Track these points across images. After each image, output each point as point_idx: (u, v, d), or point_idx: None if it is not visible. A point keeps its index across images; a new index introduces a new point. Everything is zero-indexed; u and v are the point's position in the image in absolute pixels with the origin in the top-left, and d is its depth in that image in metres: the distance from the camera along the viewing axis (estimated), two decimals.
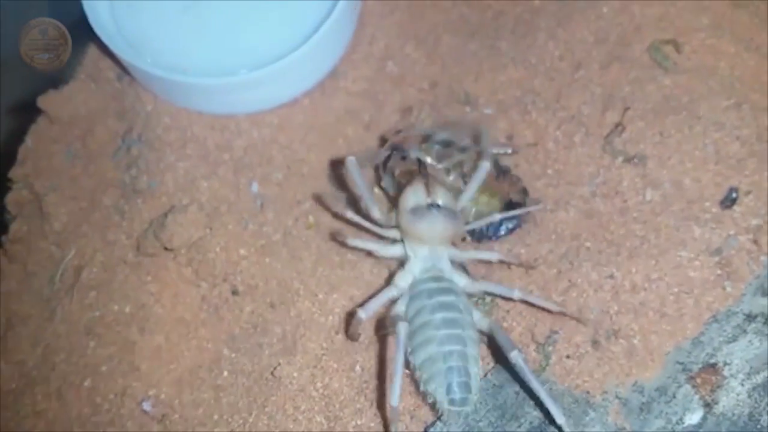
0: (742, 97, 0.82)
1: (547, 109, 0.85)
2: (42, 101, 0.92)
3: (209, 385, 0.78)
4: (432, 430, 0.72)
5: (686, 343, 0.71)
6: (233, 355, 0.79)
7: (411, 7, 0.98)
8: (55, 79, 0.93)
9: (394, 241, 0.79)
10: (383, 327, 0.77)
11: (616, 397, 0.70)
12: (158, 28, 0.90)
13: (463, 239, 0.82)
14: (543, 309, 0.74)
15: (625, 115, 0.82)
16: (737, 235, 0.75)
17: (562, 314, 0.73)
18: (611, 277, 0.75)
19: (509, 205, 0.81)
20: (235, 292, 0.81)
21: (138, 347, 0.80)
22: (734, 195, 0.77)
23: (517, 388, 0.73)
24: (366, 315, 0.74)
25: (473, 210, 0.81)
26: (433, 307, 0.72)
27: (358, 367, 0.76)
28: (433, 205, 0.76)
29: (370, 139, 0.90)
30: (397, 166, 0.81)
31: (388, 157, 0.82)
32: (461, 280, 0.76)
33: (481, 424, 0.71)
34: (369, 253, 0.80)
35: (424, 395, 0.71)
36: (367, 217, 0.79)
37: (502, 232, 0.81)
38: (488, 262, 0.79)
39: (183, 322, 0.81)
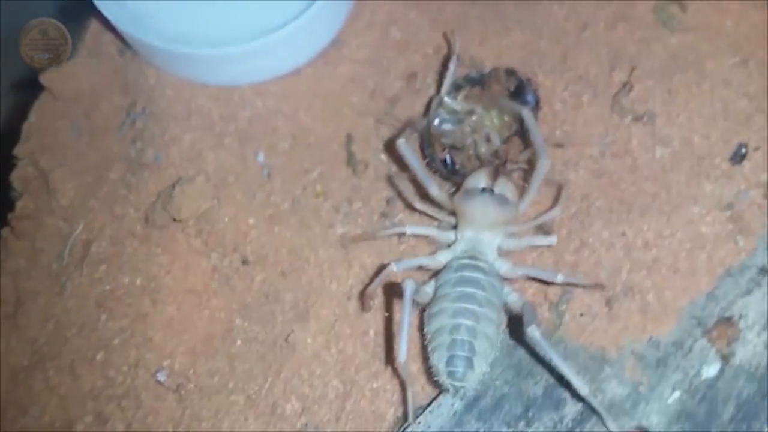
0: (749, 54, 0.82)
1: (553, 70, 0.84)
2: (44, 78, 0.91)
3: (223, 354, 0.78)
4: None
5: (700, 297, 0.71)
6: (246, 323, 0.79)
7: None
8: None
9: (452, 226, 0.78)
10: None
11: (632, 353, 0.70)
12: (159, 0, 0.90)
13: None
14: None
15: (633, 74, 0.81)
16: (748, 189, 0.75)
17: (600, 287, 0.73)
18: (623, 235, 0.75)
19: (514, 94, 0.81)
20: (245, 262, 0.81)
21: (150, 319, 0.80)
22: (743, 151, 0.77)
23: None
24: (398, 268, 0.71)
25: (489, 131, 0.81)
26: (456, 280, 0.71)
27: (371, 332, 0.76)
28: (486, 190, 0.75)
29: (376, 106, 0.89)
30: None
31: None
32: (503, 266, 0.74)
33: (497, 382, 0.71)
34: (427, 239, 0.80)
35: (430, 369, 0.70)
36: (426, 197, 0.78)
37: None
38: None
39: (194, 293, 0.80)
